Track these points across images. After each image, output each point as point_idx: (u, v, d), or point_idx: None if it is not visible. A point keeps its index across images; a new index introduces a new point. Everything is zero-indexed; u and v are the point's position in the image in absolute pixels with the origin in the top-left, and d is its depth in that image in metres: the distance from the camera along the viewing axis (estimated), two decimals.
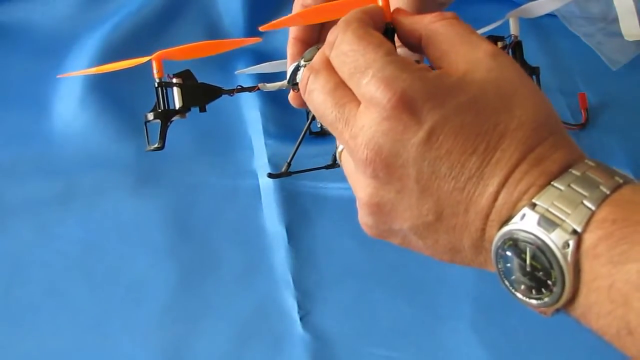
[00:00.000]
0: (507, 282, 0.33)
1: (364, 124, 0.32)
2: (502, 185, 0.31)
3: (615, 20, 0.77)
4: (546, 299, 0.32)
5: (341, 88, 0.34)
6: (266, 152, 0.67)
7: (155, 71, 0.46)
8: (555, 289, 0.31)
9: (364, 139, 0.32)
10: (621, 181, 0.30)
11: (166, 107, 0.46)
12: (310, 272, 0.60)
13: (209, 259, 0.61)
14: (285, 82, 0.48)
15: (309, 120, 0.49)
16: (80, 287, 0.59)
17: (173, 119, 0.47)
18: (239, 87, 0.49)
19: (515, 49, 0.54)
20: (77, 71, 0.52)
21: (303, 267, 0.60)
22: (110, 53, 0.73)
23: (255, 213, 0.64)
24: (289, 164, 0.52)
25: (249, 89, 0.49)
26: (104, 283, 0.60)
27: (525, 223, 0.30)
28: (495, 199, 0.31)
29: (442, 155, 0.31)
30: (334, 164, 0.51)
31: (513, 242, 0.31)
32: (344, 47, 0.34)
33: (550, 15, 0.80)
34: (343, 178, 0.69)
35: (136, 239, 0.62)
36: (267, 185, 0.65)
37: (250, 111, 0.71)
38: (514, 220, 0.31)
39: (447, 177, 0.31)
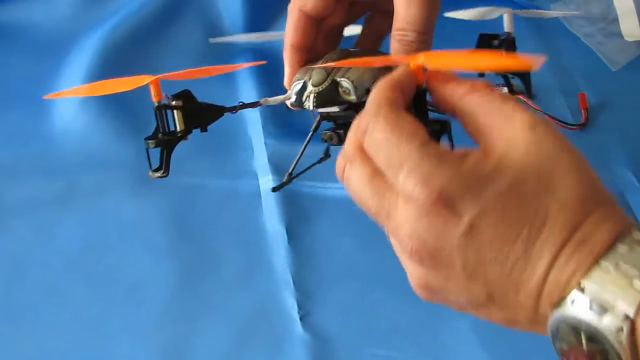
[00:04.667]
0: None
1: (405, 218, 0.32)
2: (550, 267, 0.31)
3: (616, 20, 0.77)
4: None
5: (378, 177, 0.34)
6: (266, 152, 0.67)
7: (153, 95, 0.44)
8: None
9: (407, 231, 0.32)
10: None
11: (166, 130, 0.45)
12: (310, 272, 0.60)
13: (209, 259, 0.61)
14: (287, 95, 0.48)
15: (312, 131, 0.49)
16: (80, 287, 0.59)
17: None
18: (240, 103, 0.49)
19: (509, 45, 0.55)
20: (66, 90, 0.50)
21: (303, 267, 0.60)
22: (110, 53, 0.73)
23: (255, 213, 0.64)
24: (290, 175, 0.53)
25: (251, 105, 0.49)
26: (104, 283, 0.60)
27: (577, 308, 0.30)
28: (544, 281, 0.31)
29: (486, 244, 0.31)
30: (326, 156, 0.51)
31: (567, 327, 0.31)
32: (377, 136, 0.33)
33: (551, 18, 0.80)
34: None
35: (136, 239, 0.62)
36: (267, 185, 0.65)
37: (250, 111, 0.71)
38: (566, 304, 0.30)
39: (493, 262, 0.31)
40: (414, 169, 0.31)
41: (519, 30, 0.77)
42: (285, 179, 0.54)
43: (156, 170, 0.46)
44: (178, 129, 0.45)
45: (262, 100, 0.49)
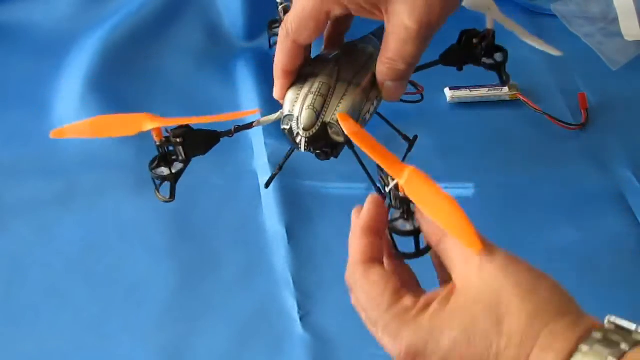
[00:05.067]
0: None
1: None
2: None
3: (615, 20, 0.77)
4: None
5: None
6: (266, 152, 0.67)
7: (154, 136, 0.48)
8: None
9: None
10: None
11: (170, 157, 0.49)
12: (311, 272, 0.60)
13: (209, 259, 0.61)
14: (277, 116, 0.51)
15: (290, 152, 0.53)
16: (80, 287, 0.59)
17: (177, 168, 0.50)
18: (236, 127, 0.51)
19: (489, 42, 0.57)
20: (69, 128, 0.51)
21: (303, 267, 0.60)
22: (110, 53, 0.73)
23: (256, 213, 0.64)
24: (280, 167, 0.56)
25: (246, 127, 0.52)
26: (104, 283, 0.60)
27: None
28: None
29: None
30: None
31: None
32: (358, 296, 0.41)
33: (550, 15, 0.80)
34: (343, 178, 0.69)
35: (136, 239, 0.62)
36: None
37: None
38: None
39: None
40: (384, 330, 0.38)
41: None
42: (275, 171, 0.56)
43: (162, 191, 0.50)
44: (180, 158, 0.49)
45: (254, 123, 0.52)
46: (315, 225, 0.63)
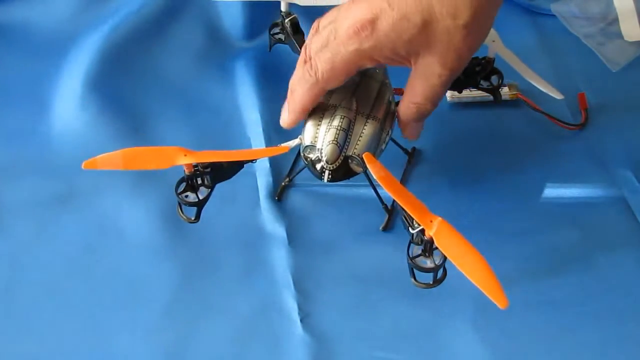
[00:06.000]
0: None
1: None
2: None
3: (616, 20, 0.77)
4: None
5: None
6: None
7: (185, 169, 0.52)
8: None
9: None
10: None
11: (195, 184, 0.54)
12: (311, 273, 0.60)
13: (208, 259, 0.61)
14: (298, 140, 0.55)
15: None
16: (80, 287, 0.59)
17: (202, 198, 0.54)
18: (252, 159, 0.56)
19: (491, 68, 0.63)
20: (103, 156, 0.53)
21: (303, 268, 0.60)
22: (110, 53, 0.73)
23: (255, 214, 0.64)
24: (289, 179, 0.62)
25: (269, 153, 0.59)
26: (104, 283, 0.59)
27: None
28: None
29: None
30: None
31: None
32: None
33: (550, 15, 0.80)
34: None
35: (136, 239, 0.62)
36: (266, 186, 0.65)
37: (250, 113, 0.71)
38: None
39: None
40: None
41: (519, 30, 0.78)
42: (285, 182, 0.60)
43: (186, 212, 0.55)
44: (206, 184, 0.54)
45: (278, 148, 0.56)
46: (315, 226, 0.63)
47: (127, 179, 0.66)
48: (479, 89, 0.63)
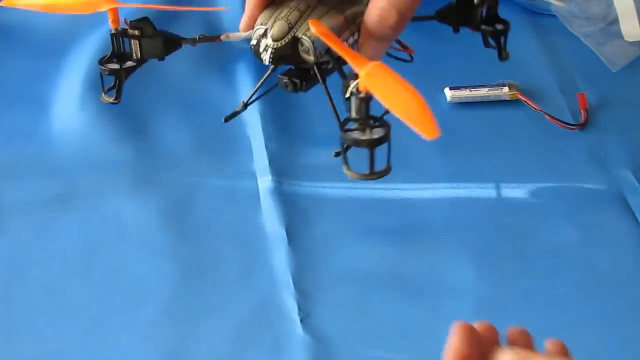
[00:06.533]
0: None
1: None
2: None
3: (616, 20, 0.77)
4: None
5: None
6: (266, 154, 0.67)
7: (110, 21, 0.45)
8: None
9: None
10: None
11: (121, 51, 0.46)
12: (311, 273, 0.60)
13: (208, 259, 0.61)
14: (248, 34, 0.46)
15: (263, 78, 0.48)
16: (80, 287, 0.59)
17: (129, 66, 0.46)
18: (200, 36, 0.47)
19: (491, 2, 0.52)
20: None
21: (303, 268, 0.60)
22: None
23: (255, 214, 0.64)
24: (245, 104, 0.51)
25: (211, 39, 0.48)
26: (104, 283, 0.59)
27: None
28: None
29: None
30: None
31: None
32: None
33: (550, 15, 0.80)
34: (343, 178, 0.69)
35: (136, 239, 0.62)
36: (266, 186, 0.65)
37: (250, 113, 0.71)
38: None
39: None
40: None
41: (519, 30, 0.78)
42: (239, 108, 0.51)
43: (109, 93, 0.46)
44: (134, 57, 0.45)
45: (222, 36, 0.48)
46: (315, 226, 0.63)
47: (127, 179, 0.66)
48: (480, 30, 0.54)
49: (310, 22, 0.43)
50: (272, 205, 0.64)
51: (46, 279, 0.60)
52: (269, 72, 0.47)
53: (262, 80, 0.49)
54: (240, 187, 0.65)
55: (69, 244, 0.62)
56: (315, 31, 0.42)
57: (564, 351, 0.38)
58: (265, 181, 0.65)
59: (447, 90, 0.73)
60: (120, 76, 0.45)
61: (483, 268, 0.59)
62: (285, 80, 0.45)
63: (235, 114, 0.51)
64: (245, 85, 0.73)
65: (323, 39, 0.42)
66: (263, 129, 0.69)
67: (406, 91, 0.37)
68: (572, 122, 0.70)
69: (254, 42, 0.44)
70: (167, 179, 0.67)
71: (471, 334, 0.38)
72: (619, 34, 0.76)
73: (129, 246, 0.62)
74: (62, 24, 0.77)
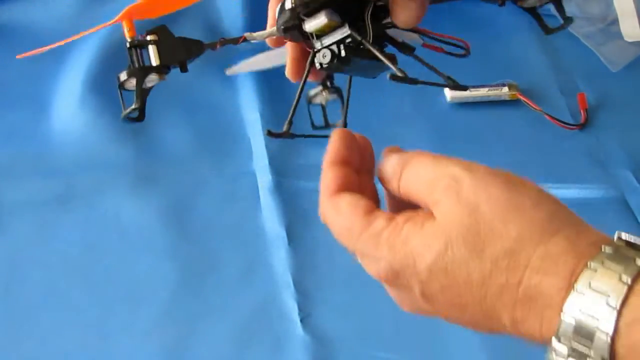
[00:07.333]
0: None
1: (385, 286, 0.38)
2: (513, 323, 0.31)
3: (615, 21, 0.77)
4: None
5: None
6: (266, 154, 0.67)
7: (126, 30, 0.42)
8: None
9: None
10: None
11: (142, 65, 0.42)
12: (311, 273, 0.60)
13: (208, 259, 0.61)
14: (274, 29, 0.45)
15: (302, 85, 0.44)
16: (80, 287, 0.59)
17: (152, 82, 0.43)
18: (221, 39, 0.45)
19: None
20: (38, 49, 0.48)
21: (303, 269, 0.60)
22: (110, 53, 0.73)
23: (255, 214, 0.64)
24: (290, 122, 0.44)
25: (234, 41, 0.46)
26: (104, 283, 0.59)
27: (558, 357, 0.30)
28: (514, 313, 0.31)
29: (443, 309, 0.34)
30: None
31: None
32: (333, 229, 0.38)
33: (550, 16, 0.80)
34: None
35: (136, 239, 0.62)
36: (266, 186, 0.65)
37: (250, 113, 0.71)
38: (549, 354, 0.30)
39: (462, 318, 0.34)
40: (363, 256, 0.37)
41: (519, 30, 0.78)
42: (285, 128, 0.45)
43: (132, 112, 0.43)
44: (154, 64, 0.42)
45: (246, 35, 0.47)
46: (315, 227, 0.63)
47: (127, 179, 0.66)
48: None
49: None
50: (272, 205, 0.64)
51: (46, 279, 0.60)
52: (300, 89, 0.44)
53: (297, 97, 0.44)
54: (240, 187, 0.65)
55: (69, 243, 0.62)
56: None
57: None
58: (265, 181, 0.65)
59: (447, 91, 0.73)
60: (138, 76, 0.42)
61: None
62: (324, 50, 0.41)
63: (280, 134, 0.45)
64: (245, 85, 0.73)
65: None
66: (263, 129, 0.69)
67: None
68: (572, 122, 0.70)
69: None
70: (167, 178, 0.67)
71: (351, 139, 0.38)
72: (619, 34, 0.76)
73: (129, 246, 0.62)
74: (62, 24, 0.77)
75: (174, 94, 0.73)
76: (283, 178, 0.66)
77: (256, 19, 0.77)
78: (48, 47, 0.49)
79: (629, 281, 0.28)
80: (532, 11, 0.49)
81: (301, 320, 0.57)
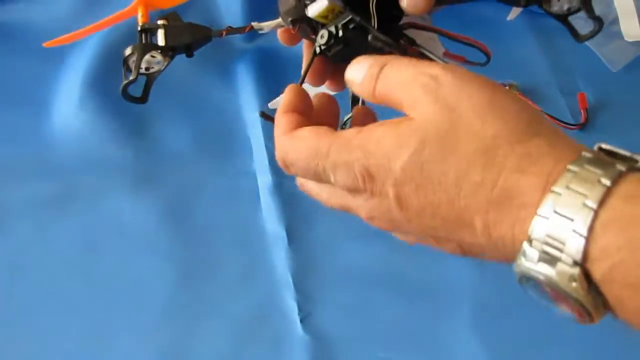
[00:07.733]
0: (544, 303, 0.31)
1: (358, 204, 0.35)
2: (485, 227, 0.30)
3: (616, 20, 0.77)
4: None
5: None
6: (265, 154, 0.67)
7: (140, 15, 0.44)
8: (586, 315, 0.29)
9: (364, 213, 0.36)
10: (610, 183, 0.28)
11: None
12: (311, 273, 0.60)
13: (208, 259, 0.61)
14: (279, 20, 0.46)
15: (303, 76, 0.43)
16: (80, 287, 0.59)
17: (157, 65, 0.44)
18: (228, 27, 0.46)
19: None
20: (63, 36, 0.48)
21: (303, 269, 0.60)
22: (110, 53, 0.73)
23: (255, 214, 0.64)
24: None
25: (240, 30, 0.46)
26: (104, 283, 0.60)
27: (528, 262, 0.29)
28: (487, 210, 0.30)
29: (415, 215, 0.32)
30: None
31: (527, 280, 0.30)
32: (296, 165, 0.36)
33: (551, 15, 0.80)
34: None
35: (136, 239, 0.62)
36: (266, 186, 0.65)
37: (250, 113, 0.71)
38: (518, 260, 0.29)
39: (437, 223, 0.32)
40: (334, 166, 0.33)
41: (519, 30, 0.78)
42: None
43: (130, 85, 0.44)
44: (160, 45, 0.43)
45: (253, 24, 0.47)
46: (315, 227, 0.63)
47: (127, 179, 0.66)
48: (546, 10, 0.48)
49: None
50: (272, 205, 0.64)
51: (47, 278, 0.60)
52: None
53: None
54: (240, 187, 0.65)
55: (70, 243, 0.62)
56: None
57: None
58: (265, 181, 0.65)
59: None
60: (140, 52, 0.43)
61: (483, 268, 0.59)
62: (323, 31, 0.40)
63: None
64: (245, 85, 0.73)
65: None
66: (263, 129, 0.69)
67: None
68: (572, 122, 0.70)
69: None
70: (167, 179, 0.67)
71: (303, 92, 0.38)
72: (619, 34, 0.76)
73: (129, 246, 0.62)
74: (62, 24, 0.77)
75: (174, 94, 0.73)
76: (283, 178, 0.66)
77: (256, 20, 0.77)
78: (72, 34, 0.49)
79: (608, 183, 0.28)
80: (562, 18, 0.48)
81: (301, 320, 0.57)
